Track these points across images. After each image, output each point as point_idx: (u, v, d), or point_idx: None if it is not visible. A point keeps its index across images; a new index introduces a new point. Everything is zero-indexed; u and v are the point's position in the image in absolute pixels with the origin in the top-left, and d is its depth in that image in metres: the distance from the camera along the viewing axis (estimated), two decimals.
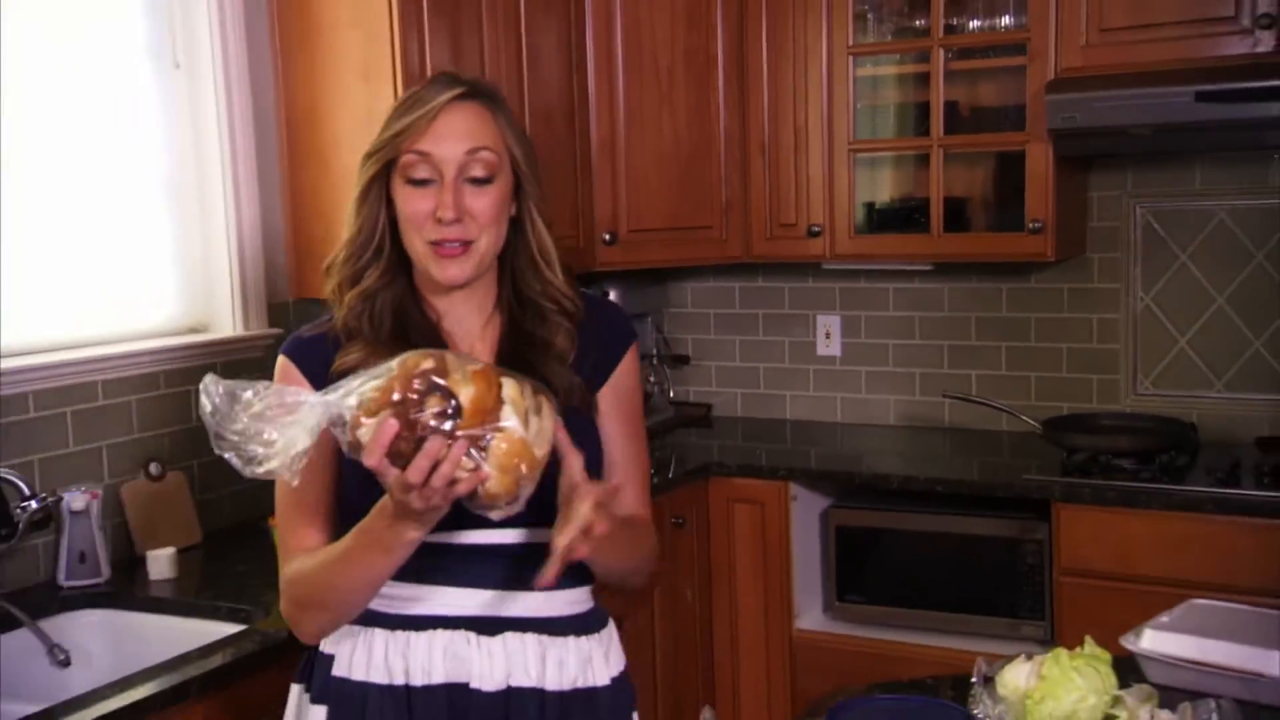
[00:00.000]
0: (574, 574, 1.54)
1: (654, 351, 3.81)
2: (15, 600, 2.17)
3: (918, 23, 3.33)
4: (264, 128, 2.77)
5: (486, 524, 1.42)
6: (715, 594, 3.29)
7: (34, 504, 2.14)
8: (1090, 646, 1.57)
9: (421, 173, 1.51)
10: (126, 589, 2.32)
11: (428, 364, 1.31)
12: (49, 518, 2.29)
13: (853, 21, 3.30)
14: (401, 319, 1.56)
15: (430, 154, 1.51)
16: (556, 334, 1.59)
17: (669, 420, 3.72)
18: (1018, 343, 3.51)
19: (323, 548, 1.53)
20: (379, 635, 1.54)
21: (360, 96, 2.69)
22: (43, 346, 2.41)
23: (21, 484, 2.13)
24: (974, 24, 3.27)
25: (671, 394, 3.85)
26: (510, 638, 1.54)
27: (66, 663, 2.07)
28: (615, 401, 1.64)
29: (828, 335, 3.75)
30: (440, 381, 1.30)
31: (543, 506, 1.41)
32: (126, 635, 2.22)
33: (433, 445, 1.29)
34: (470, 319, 1.61)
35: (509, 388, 1.33)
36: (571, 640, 1.58)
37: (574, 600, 1.61)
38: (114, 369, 2.46)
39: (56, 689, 1.97)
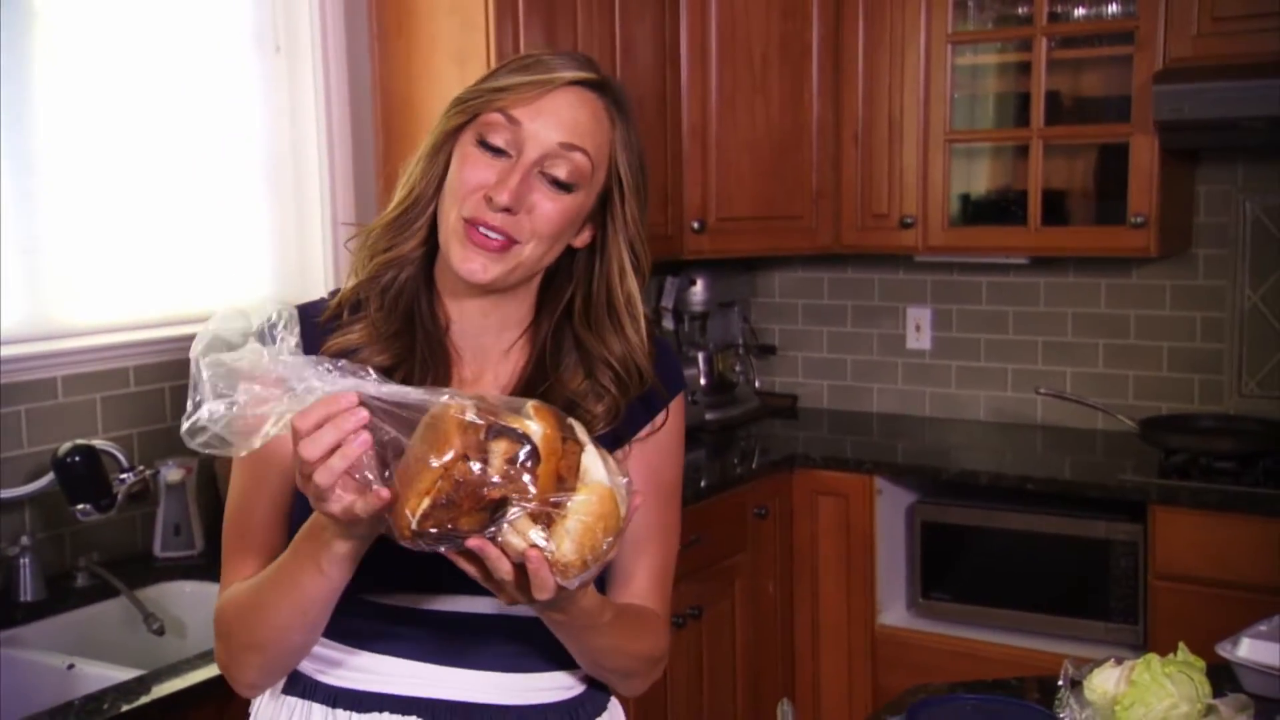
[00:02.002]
0: (557, 651, 1.25)
1: (740, 341, 3.80)
2: (113, 569, 2.23)
3: (1020, 10, 3.26)
4: (360, 112, 2.81)
5: (456, 588, 1.17)
6: (797, 587, 3.27)
7: (131, 476, 2.19)
8: (1184, 653, 1.53)
9: (499, 139, 1.22)
10: (219, 561, 2.37)
11: (472, 408, 1.03)
12: (146, 490, 2.36)
13: (953, 9, 3.24)
14: (411, 313, 1.28)
15: (521, 125, 1.22)
16: (598, 402, 1.27)
17: (754, 410, 3.70)
18: (1116, 340, 3.43)
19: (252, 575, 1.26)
20: (316, 711, 1.26)
21: (454, 82, 2.68)
22: (143, 323, 2.48)
23: (120, 456, 2.19)
24: (1079, 12, 3.19)
25: (757, 384, 3.83)
26: None
27: (161, 631, 2.12)
28: (645, 462, 1.29)
29: (918, 328, 3.69)
30: (503, 423, 1.03)
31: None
32: None
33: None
34: (486, 338, 1.30)
35: (579, 429, 1.07)
36: None
37: (559, 685, 1.30)
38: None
39: (151, 656, 2.03)
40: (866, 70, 3.34)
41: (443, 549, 1.04)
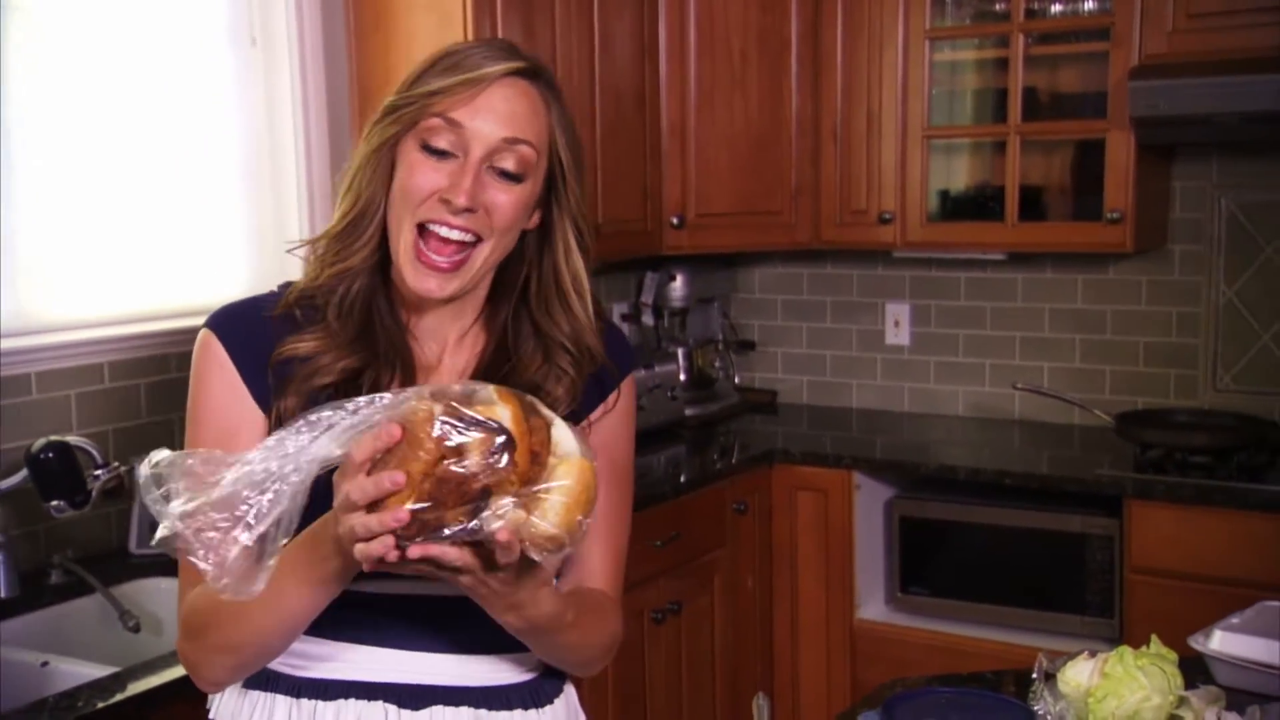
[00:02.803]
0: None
1: (720, 336, 3.80)
2: (88, 566, 2.22)
3: (998, 6, 3.27)
4: (337, 106, 2.80)
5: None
6: (776, 582, 3.28)
7: (105, 472, 2.18)
8: (1156, 645, 1.54)
9: (443, 142, 1.23)
10: None
11: (439, 406, 1.03)
12: (121, 486, 2.34)
13: (930, 5, 3.25)
14: (369, 313, 1.29)
15: (463, 126, 1.23)
16: (557, 383, 1.29)
17: (733, 406, 3.70)
18: (1093, 335, 3.44)
19: None
20: (280, 703, 1.26)
21: None
22: (118, 319, 2.46)
23: (95, 452, 2.18)
24: (1056, 8, 3.20)
25: (737, 380, 3.83)
26: (440, 711, 1.26)
27: (136, 628, 2.11)
28: (599, 442, 1.26)
29: (896, 324, 3.70)
30: (472, 414, 1.03)
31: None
32: None
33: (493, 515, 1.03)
34: (444, 328, 1.32)
35: (539, 405, 1.09)
36: (518, 715, 1.30)
37: (520, 665, 1.31)
38: (187, 342, 2.48)
39: (126, 653, 2.03)
40: (845, 66, 3.35)
41: (416, 551, 1.03)
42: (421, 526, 1.02)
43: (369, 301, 1.29)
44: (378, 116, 1.28)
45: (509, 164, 1.24)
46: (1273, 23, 2.83)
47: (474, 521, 1.03)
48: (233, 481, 1.05)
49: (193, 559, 1.05)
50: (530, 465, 1.04)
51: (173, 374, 2.49)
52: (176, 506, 1.05)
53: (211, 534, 1.04)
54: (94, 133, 2.40)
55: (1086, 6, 3.15)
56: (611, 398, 1.35)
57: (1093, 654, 1.55)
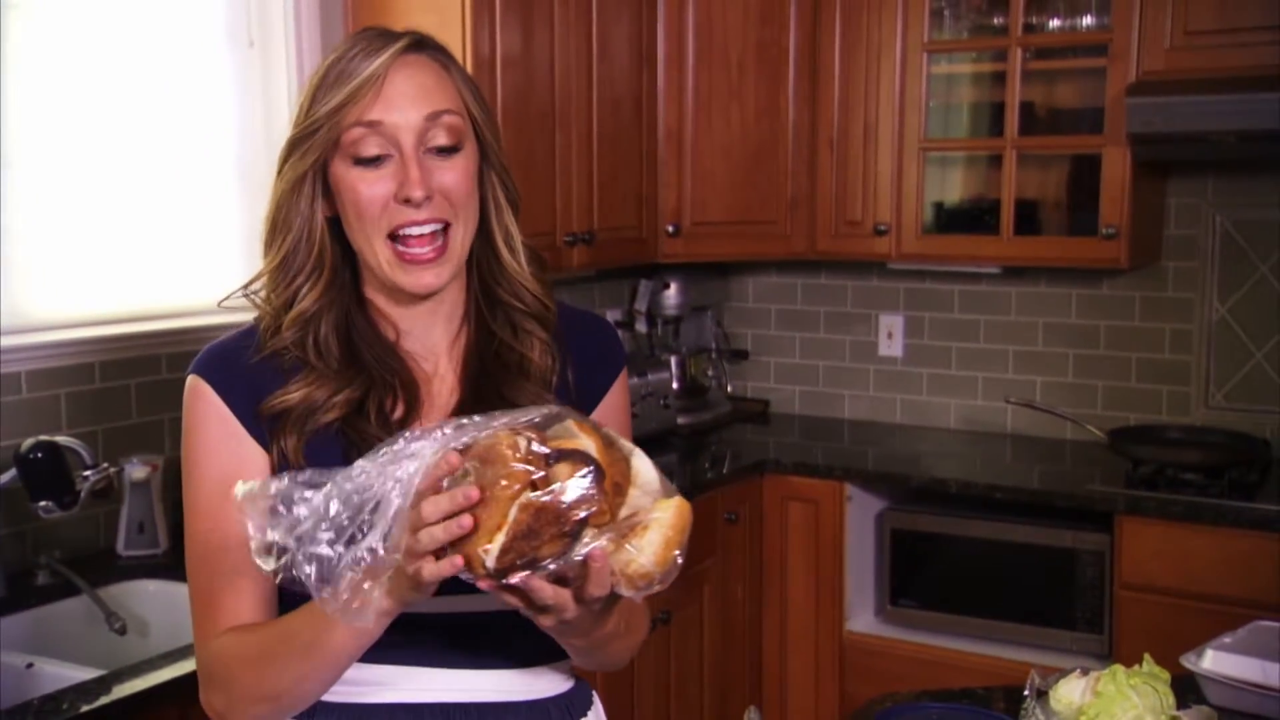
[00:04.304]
0: (552, 644, 1.24)
1: (713, 345, 3.79)
2: (75, 567, 2.21)
3: (996, 21, 3.27)
4: None
5: (453, 589, 1.11)
6: (766, 592, 3.27)
7: (94, 473, 2.16)
8: (1149, 664, 1.53)
9: (372, 147, 1.20)
10: (184, 562, 2.34)
11: (522, 438, 1.01)
12: (110, 487, 2.32)
13: (929, 18, 3.25)
14: (350, 341, 1.25)
15: (381, 122, 1.19)
16: (532, 348, 1.29)
17: (725, 415, 3.70)
18: (1086, 350, 3.44)
19: (261, 623, 1.21)
20: None
21: None
22: (110, 318, 2.45)
23: (84, 453, 2.16)
24: (1054, 23, 3.20)
25: (729, 389, 3.83)
26: None
27: (123, 631, 2.10)
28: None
29: (890, 335, 3.70)
30: (558, 445, 1.02)
31: None
32: (182, 606, 2.23)
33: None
34: (435, 332, 1.29)
35: (613, 433, 1.08)
36: None
37: (557, 676, 1.31)
38: (178, 342, 2.50)
39: (113, 656, 2.01)
40: (842, 77, 3.35)
41: (516, 579, 1.01)
42: (518, 555, 0.99)
43: (346, 332, 1.26)
44: (285, 152, 1.25)
45: (442, 139, 1.22)
46: (1271, 41, 2.84)
47: (570, 555, 1.01)
48: (342, 502, 1.03)
49: (302, 577, 1.02)
50: (615, 497, 1.03)
51: (164, 375, 2.48)
52: (285, 527, 1.03)
53: (326, 551, 1.03)
54: (89, 132, 2.39)
55: (1085, 22, 3.16)
56: (617, 387, 1.36)
57: (1085, 672, 1.54)
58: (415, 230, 1.21)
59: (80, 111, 2.38)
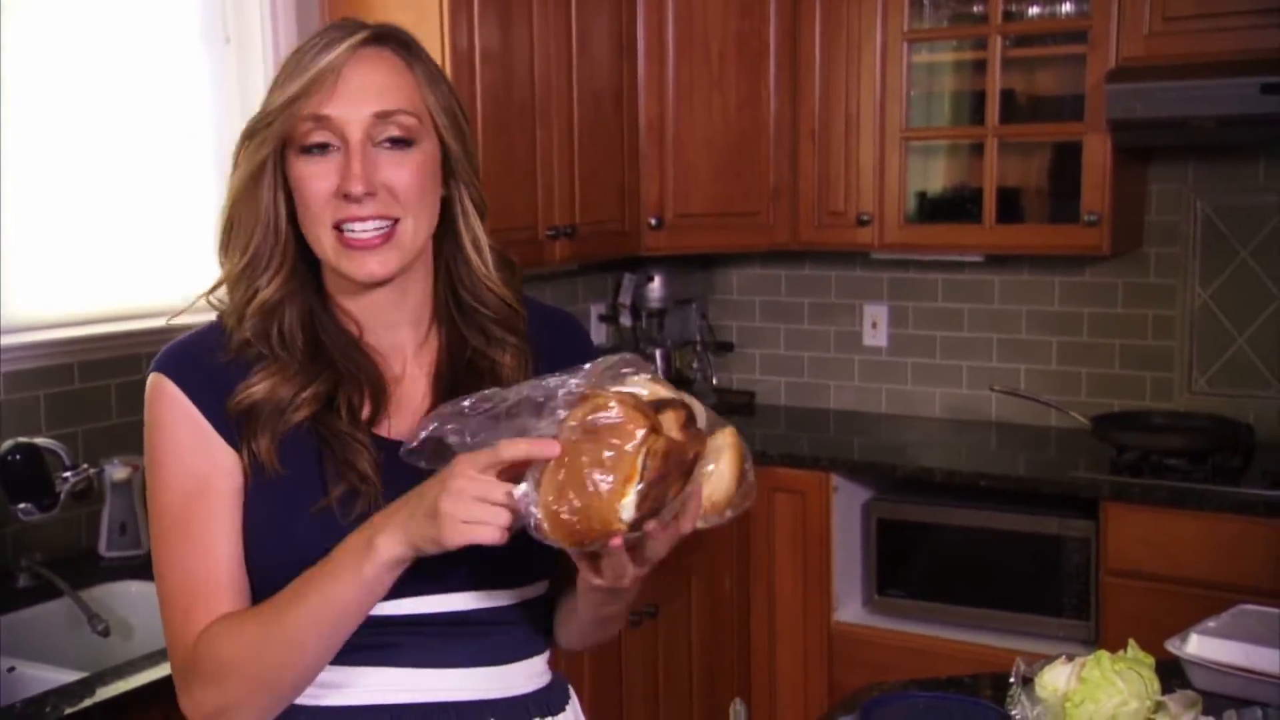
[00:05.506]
0: (528, 639, 1.27)
1: (698, 338, 3.79)
2: (56, 569, 2.19)
3: (975, 9, 3.27)
4: None
5: (428, 589, 1.15)
6: (753, 584, 3.27)
7: (74, 474, 2.15)
8: (1134, 650, 1.53)
9: (319, 138, 1.18)
10: None
11: (626, 395, 1.06)
12: (90, 488, 2.31)
13: (909, 7, 3.25)
14: (315, 335, 1.24)
15: (330, 116, 1.18)
16: (503, 353, 1.28)
17: (711, 407, 3.68)
18: (1069, 337, 3.45)
19: (249, 609, 1.19)
20: None
21: None
22: (89, 318, 2.43)
23: (63, 454, 2.15)
24: (1033, 11, 3.21)
25: (715, 381, 3.82)
26: None
27: (106, 633, 2.08)
28: None
29: (874, 325, 3.70)
30: (661, 396, 1.08)
31: (494, 561, 1.16)
32: None
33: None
34: (401, 332, 1.28)
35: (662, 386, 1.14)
36: None
37: (533, 673, 1.30)
38: (158, 342, 2.44)
39: (95, 658, 2.00)
40: (823, 68, 3.35)
41: (650, 527, 1.05)
42: (654, 501, 1.03)
43: (308, 324, 1.24)
44: (240, 143, 1.23)
45: (394, 131, 1.19)
46: (1248, 26, 2.84)
47: (685, 493, 1.06)
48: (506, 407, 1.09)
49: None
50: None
51: (143, 375, 2.44)
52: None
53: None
54: (65, 131, 2.37)
55: (1064, 9, 3.16)
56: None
57: (1070, 658, 1.54)
58: (359, 226, 1.19)
59: (56, 110, 2.36)
